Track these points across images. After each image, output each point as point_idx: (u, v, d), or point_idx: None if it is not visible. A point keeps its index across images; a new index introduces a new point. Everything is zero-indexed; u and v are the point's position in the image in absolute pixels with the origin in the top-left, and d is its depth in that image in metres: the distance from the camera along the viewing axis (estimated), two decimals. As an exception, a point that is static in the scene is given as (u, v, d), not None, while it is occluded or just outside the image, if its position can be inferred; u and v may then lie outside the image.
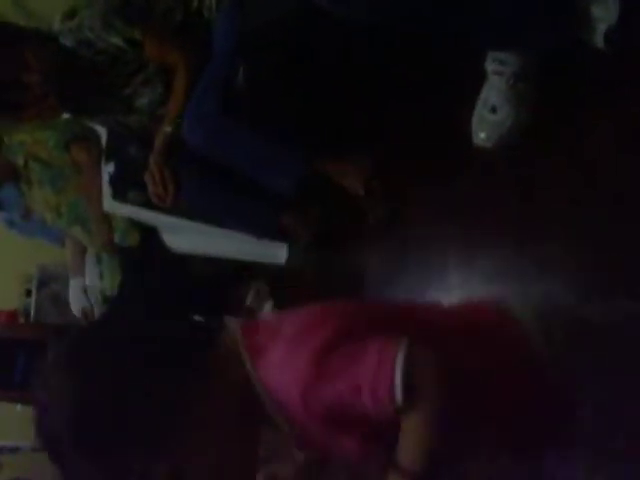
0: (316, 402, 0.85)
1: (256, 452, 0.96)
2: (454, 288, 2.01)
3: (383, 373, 0.81)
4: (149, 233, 2.65)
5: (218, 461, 0.91)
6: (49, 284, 4.50)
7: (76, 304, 2.97)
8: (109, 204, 2.59)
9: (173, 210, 2.44)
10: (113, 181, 2.53)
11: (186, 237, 2.60)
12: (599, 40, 1.49)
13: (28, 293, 4.73)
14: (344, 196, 2.38)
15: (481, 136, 1.78)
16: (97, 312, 2.99)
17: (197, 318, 2.84)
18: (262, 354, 0.89)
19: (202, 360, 0.91)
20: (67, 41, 2.10)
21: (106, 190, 2.58)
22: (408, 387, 0.80)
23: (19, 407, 4.57)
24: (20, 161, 2.91)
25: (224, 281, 2.76)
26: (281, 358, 0.87)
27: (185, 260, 2.72)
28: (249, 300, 2.82)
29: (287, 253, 2.57)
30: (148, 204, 2.48)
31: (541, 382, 0.98)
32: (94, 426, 0.88)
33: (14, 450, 4.61)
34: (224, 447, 0.91)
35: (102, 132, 2.62)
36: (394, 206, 2.16)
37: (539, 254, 1.75)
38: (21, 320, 4.72)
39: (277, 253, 2.57)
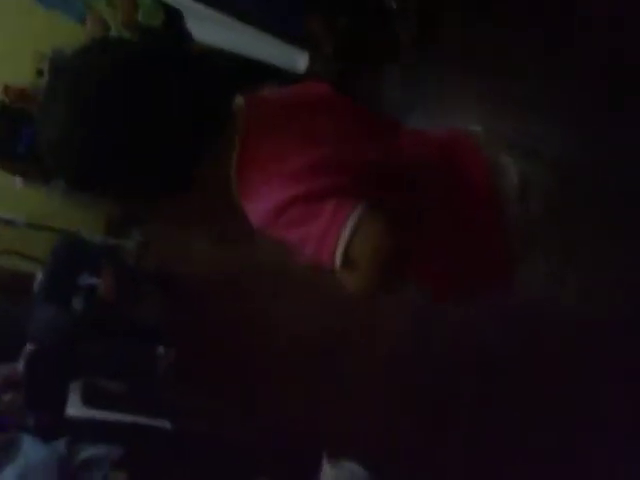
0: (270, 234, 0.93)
1: None
2: (474, 118, 2.00)
3: (328, 238, 0.85)
4: (173, 17, 2.60)
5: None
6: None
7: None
8: (138, -22, 2.54)
9: (202, -6, 2.40)
10: (146, -45, 2.47)
11: (211, 27, 2.55)
12: None
13: (40, 73, 4.69)
14: (375, 12, 2.35)
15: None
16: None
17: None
18: (247, 163, 0.94)
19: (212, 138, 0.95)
20: None
21: (137, -37, 2.52)
22: (347, 257, 0.85)
23: (18, 181, 4.66)
24: None
25: (237, 75, 2.74)
26: (258, 182, 0.93)
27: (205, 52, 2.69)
28: None
29: (307, 63, 2.55)
30: (179, -16, 2.44)
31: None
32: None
33: (10, 222, 4.73)
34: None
35: None
36: (425, 26, 2.14)
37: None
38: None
39: (298, 60, 2.55)
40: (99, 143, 0.90)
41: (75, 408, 3.37)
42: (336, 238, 0.84)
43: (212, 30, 2.53)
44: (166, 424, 3.28)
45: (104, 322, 3.45)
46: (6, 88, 4.79)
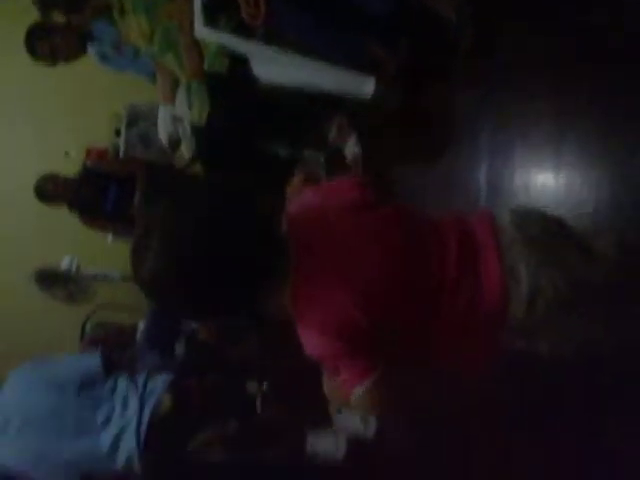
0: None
1: None
2: (547, 139, 1.97)
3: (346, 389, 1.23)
4: (239, 62, 2.66)
5: None
6: (138, 122, 4.64)
7: (164, 131, 3.03)
8: (200, 30, 2.61)
9: (264, 37, 2.46)
10: (205, 6, 2.54)
11: (274, 67, 2.61)
12: None
13: (117, 133, 4.88)
14: (433, 29, 2.35)
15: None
16: (184, 142, 3.07)
17: (278, 149, 2.92)
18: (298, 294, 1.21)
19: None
20: None
21: (198, 16, 2.59)
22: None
23: (110, 238, 4.84)
24: (114, -11, 2.93)
25: (307, 114, 2.79)
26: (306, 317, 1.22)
27: (271, 93, 2.74)
28: (332, 135, 2.85)
29: (374, 87, 2.56)
30: (240, 30, 2.49)
31: None
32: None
33: (104, 278, 4.91)
34: None
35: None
36: (486, 35, 2.13)
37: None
38: (111, 158, 4.93)
39: (364, 87, 2.56)
40: (191, 283, 1.13)
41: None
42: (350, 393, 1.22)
43: (278, 70, 2.58)
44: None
45: (207, 365, 3.52)
46: (88, 151, 5.02)
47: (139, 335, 4.06)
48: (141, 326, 4.14)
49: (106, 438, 2.42)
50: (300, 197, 1.41)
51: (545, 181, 1.89)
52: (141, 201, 3.92)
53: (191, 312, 1.29)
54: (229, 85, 2.70)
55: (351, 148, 2.81)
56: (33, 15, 3.53)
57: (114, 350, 3.20)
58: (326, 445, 2.55)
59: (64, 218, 4.38)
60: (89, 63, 3.81)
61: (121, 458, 2.42)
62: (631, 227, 1.66)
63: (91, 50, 3.62)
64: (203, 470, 2.46)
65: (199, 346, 3.66)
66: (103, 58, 3.68)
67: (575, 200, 1.80)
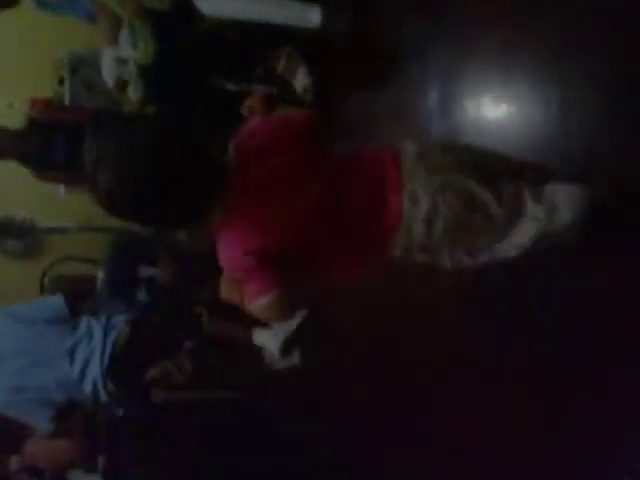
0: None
1: None
2: (494, 70, 1.97)
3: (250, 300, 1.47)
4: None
5: None
6: (81, 69, 4.52)
7: (110, 74, 2.96)
8: (139, -35, 2.54)
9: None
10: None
11: (218, 0, 2.56)
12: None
13: (61, 81, 4.75)
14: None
15: None
16: (132, 84, 3.01)
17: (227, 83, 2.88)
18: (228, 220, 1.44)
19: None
20: None
21: (136, -49, 2.52)
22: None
23: (62, 190, 4.75)
24: None
25: (253, 45, 2.75)
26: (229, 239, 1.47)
27: (216, 27, 2.70)
28: (280, 67, 2.82)
29: (320, 17, 2.54)
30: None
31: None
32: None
33: (62, 230, 4.83)
34: None
35: None
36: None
37: None
38: (56, 107, 4.79)
39: (310, 16, 2.54)
40: (146, 193, 1.34)
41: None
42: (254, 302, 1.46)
43: (221, 3, 2.53)
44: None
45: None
46: (33, 101, 4.87)
47: (99, 284, 4.04)
48: (100, 276, 4.12)
49: (75, 366, 2.65)
50: (250, 124, 1.58)
51: (495, 100, 1.91)
52: (91, 146, 3.84)
53: (143, 221, 1.46)
54: (173, 21, 2.64)
55: (301, 80, 2.79)
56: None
57: (76, 299, 3.20)
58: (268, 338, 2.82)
59: (14, 172, 4.27)
60: (25, 10, 3.68)
61: (88, 384, 2.67)
62: (571, 147, 1.69)
63: (28, -6, 3.50)
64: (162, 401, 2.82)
65: (161, 291, 3.66)
66: (40, 3, 3.55)
67: (522, 118, 1.82)
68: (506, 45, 1.90)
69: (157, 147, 1.36)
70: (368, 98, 2.57)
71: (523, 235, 1.46)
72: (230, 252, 1.45)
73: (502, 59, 1.90)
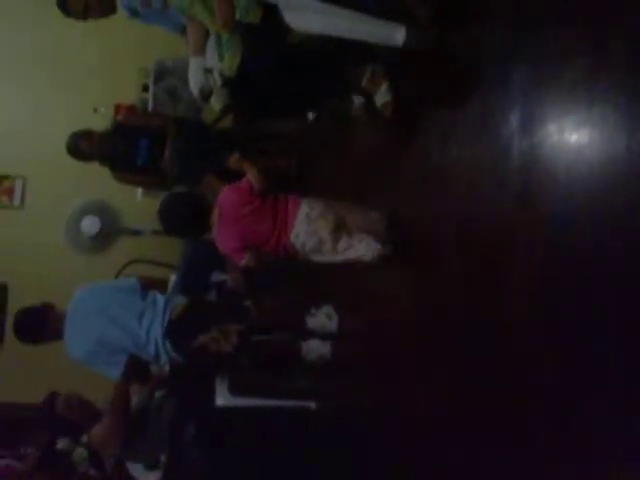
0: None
1: None
2: (580, 80, 1.96)
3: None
4: (270, 11, 2.67)
5: None
6: (165, 77, 4.69)
7: (195, 82, 3.04)
8: (232, -21, 2.62)
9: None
10: (237, -45, 2.55)
11: (307, 15, 2.62)
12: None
13: (145, 88, 4.93)
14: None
15: None
16: (215, 94, 3.10)
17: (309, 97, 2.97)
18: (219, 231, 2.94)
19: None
20: None
21: (230, -35, 2.60)
22: None
23: (139, 194, 4.92)
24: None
25: (340, 60, 2.82)
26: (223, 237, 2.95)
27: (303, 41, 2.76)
28: (364, 81, 2.88)
29: (405, 35, 2.57)
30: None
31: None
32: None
33: (137, 233, 5.01)
34: None
35: None
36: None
37: None
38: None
39: (396, 35, 2.57)
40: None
41: (223, 398, 3.58)
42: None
43: (310, 18, 2.59)
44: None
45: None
46: (117, 107, 5.07)
47: (170, 288, 4.16)
48: (173, 279, 4.24)
49: (143, 328, 3.26)
50: (223, 192, 2.94)
51: (578, 122, 1.91)
52: (172, 154, 3.98)
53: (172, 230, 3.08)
54: (263, 34, 2.71)
55: (382, 95, 2.84)
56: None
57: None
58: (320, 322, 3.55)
59: (98, 175, 4.44)
60: (116, 18, 3.84)
61: (151, 344, 3.25)
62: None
63: (120, 4, 3.65)
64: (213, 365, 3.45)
65: (229, 295, 3.77)
66: (132, 12, 3.70)
67: (607, 141, 1.81)
68: (593, 70, 1.89)
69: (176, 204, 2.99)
70: (449, 117, 2.59)
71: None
72: (222, 245, 2.92)
73: (587, 84, 1.89)
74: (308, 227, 2.76)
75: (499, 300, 2.19)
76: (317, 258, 2.86)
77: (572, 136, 1.92)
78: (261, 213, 2.82)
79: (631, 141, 1.69)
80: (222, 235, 2.87)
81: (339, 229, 2.76)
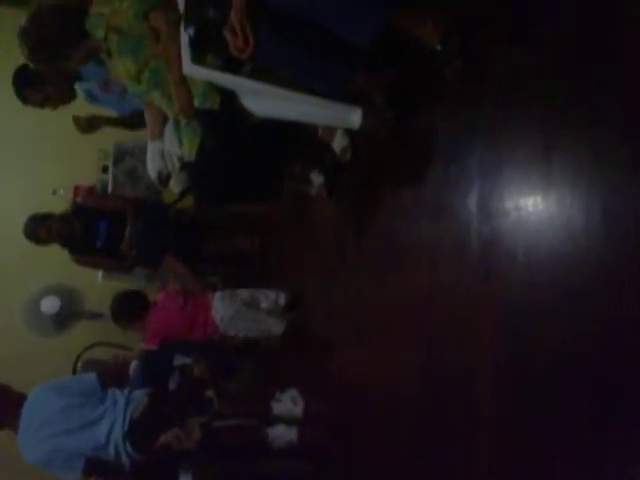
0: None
1: None
2: (536, 160, 1.98)
3: None
4: (228, 96, 2.70)
5: None
6: (125, 159, 4.68)
7: (153, 166, 3.04)
8: (188, 68, 2.64)
9: (252, 71, 2.50)
10: (192, 44, 2.57)
11: (264, 101, 2.64)
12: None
13: (105, 169, 4.92)
14: (417, 56, 2.40)
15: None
16: (174, 177, 3.10)
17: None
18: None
19: None
20: None
21: (185, 54, 2.63)
22: None
23: (100, 276, 4.84)
24: (100, 34, 2.92)
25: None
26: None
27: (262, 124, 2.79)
28: (320, 131, 2.98)
29: (361, 118, 2.60)
30: (227, 67, 2.53)
31: None
32: None
33: (97, 316, 4.90)
34: None
35: (180, -2, 2.65)
36: (471, 61, 2.17)
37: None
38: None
39: (352, 118, 2.60)
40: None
41: None
42: None
43: (267, 103, 2.61)
44: None
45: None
46: (76, 188, 5.04)
47: (131, 372, 4.05)
48: (134, 364, 4.13)
49: (102, 431, 3.24)
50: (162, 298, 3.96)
51: (535, 202, 1.92)
52: (131, 237, 3.94)
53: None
54: (221, 120, 2.73)
55: (339, 140, 2.89)
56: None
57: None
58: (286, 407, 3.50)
59: (58, 256, 4.37)
60: (75, 101, 3.85)
61: (112, 446, 3.24)
62: (616, 246, 1.67)
63: (78, 88, 3.66)
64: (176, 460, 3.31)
65: (193, 382, 3.68)
66: (91, 97, 3.72)
67: (565, 219, 1.82)
68: (547, 149, 1.91)
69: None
70: (406, 199, 2.61)
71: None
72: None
73: (543, 162, 1.92)
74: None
75: (466, 383, 2.15)
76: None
77: (530, 216, 1.93)
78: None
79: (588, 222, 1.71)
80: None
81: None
